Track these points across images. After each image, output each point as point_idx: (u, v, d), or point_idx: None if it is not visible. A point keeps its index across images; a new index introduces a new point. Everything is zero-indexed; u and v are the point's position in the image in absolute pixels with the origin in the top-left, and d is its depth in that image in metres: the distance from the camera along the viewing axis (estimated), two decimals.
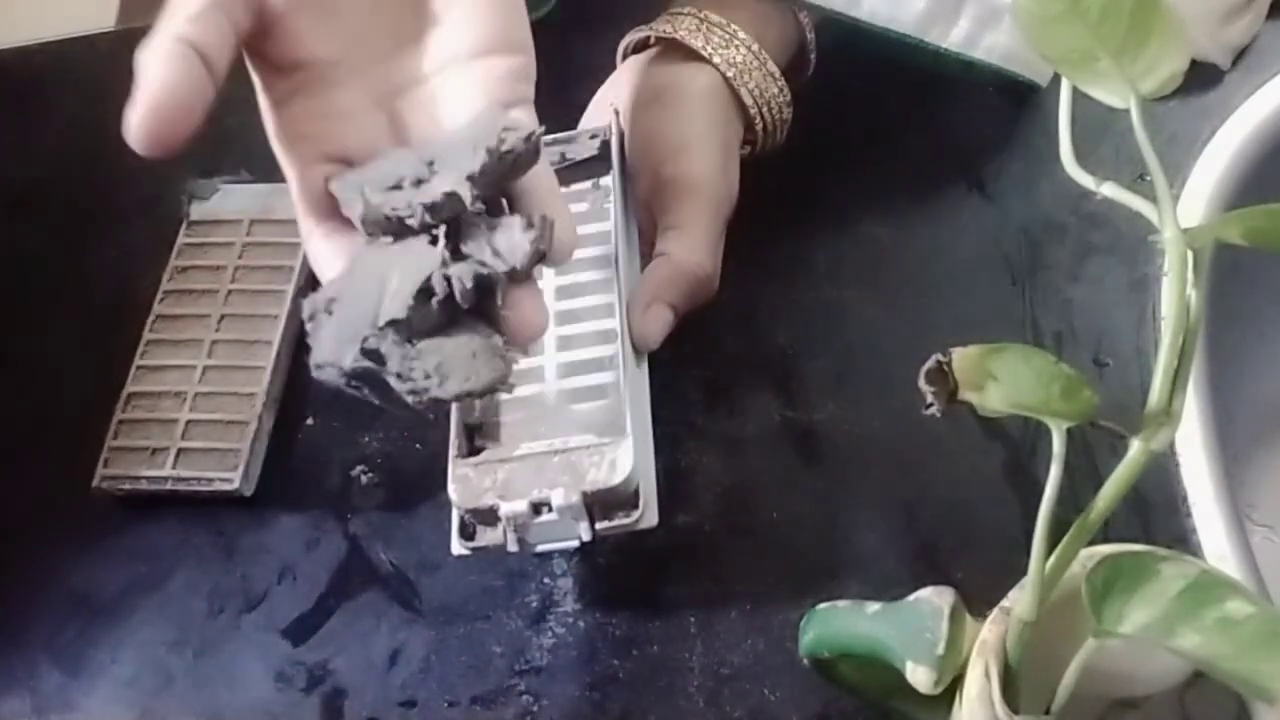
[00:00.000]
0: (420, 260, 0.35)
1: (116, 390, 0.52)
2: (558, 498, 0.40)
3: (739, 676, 0.44)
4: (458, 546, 0.41)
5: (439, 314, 0.35)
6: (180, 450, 0.50)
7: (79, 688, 0.46)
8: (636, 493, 0.41)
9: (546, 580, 0.47)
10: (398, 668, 0.45)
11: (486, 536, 0.41)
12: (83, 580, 0.49)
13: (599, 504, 0.40)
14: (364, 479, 0.50)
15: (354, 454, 0.51)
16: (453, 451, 0.42)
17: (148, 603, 0.48)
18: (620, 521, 0.40)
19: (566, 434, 0.42)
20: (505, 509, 0.40)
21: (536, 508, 0.40)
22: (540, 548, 0.41)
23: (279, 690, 0.45)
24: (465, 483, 0.41)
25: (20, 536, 0.50)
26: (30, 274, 0.59)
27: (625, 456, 0.40)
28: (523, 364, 0.44)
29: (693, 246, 0.45)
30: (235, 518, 0.50)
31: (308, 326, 0.36)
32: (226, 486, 0.49)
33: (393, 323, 0.34)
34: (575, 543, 0.41)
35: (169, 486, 0.49)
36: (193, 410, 0.51)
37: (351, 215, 0.37)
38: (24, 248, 0.60)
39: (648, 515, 0.41)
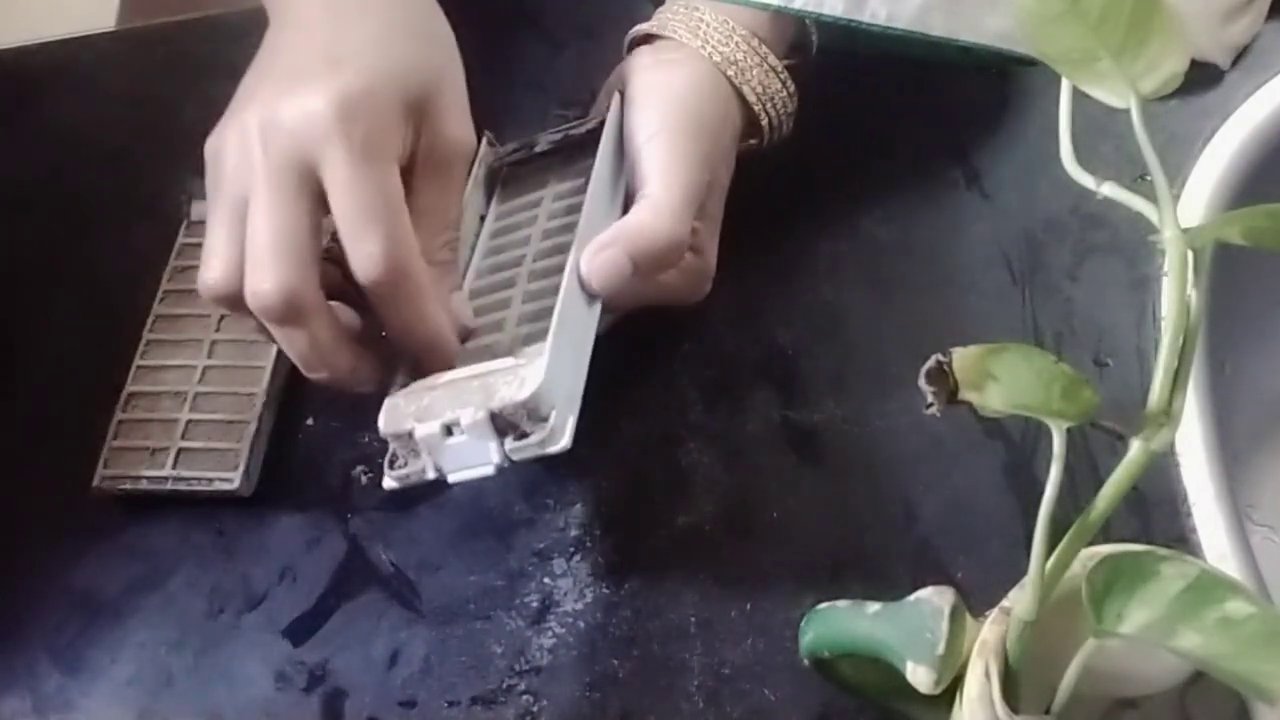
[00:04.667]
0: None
1: (116, 390, 0.52)
2: (466, 417, 0.39)
3: (739, 676, 0.44)
4: (388, 480, 0.42)
5: None
6: (180, 450, 0.50)
7: (79, 688, 0.46)
8: (550, 416, 0.40)
9: (546, 580, 0.47)
10: (398, 668, 0.45)
11: (410, 466, 0.41)
12: (83, 580, 0.49)
13: (510, 426, 0.39)
14: (364, 479, 0.50)
15: (354, 454, 0.51)
16: (394, 387, 0.42)
17: (148, 603, 0.48)
18: (527, 442, 0.39)
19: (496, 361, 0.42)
20: (419, 431, 0.40)
21: (449, 429, 0.40)
22: (455, 476, 0.40)
23: (279, 690, 0.45)
24: (393, 410, 0.41)
25: (20, 536, 0.50)
26: (30, 274, 0.59)
27: (535, 373, 0.39)
28: (488, 318, 0.45)
29: (664, 209, 0.45)
30: (235, 518, 0.50)
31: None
32: (226, 486, 0.49)
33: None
34: (489, 469, 0.40)
35: (169, 486, 0.49)
36: (193, 410, 0.51)
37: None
38: (24, 248, 0.60)
39: (555, 436, 0.39)
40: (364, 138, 0.40)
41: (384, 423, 0.41)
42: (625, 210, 0.48)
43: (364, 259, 0.40)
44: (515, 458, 0.40)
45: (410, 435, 0.40)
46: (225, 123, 0.42)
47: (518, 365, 0.40)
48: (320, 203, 0.40)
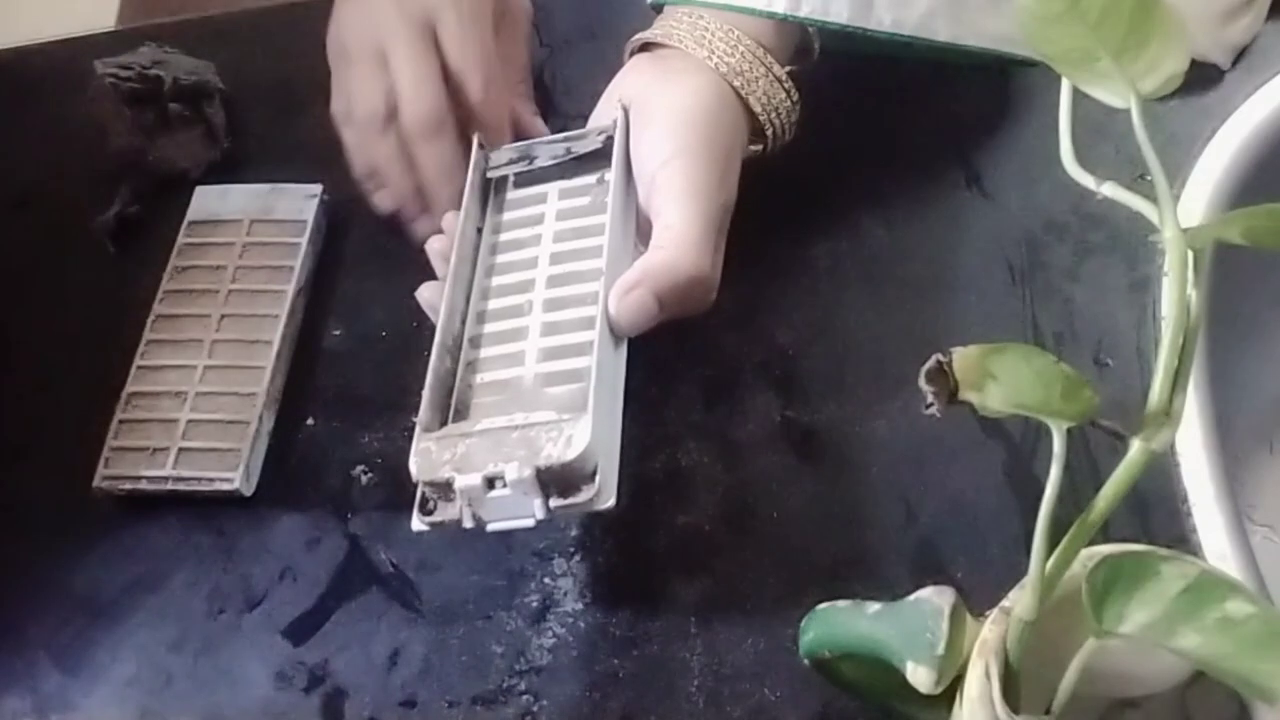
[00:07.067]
0: None
1: (116, 390, 0.52)
2: (511, 472, 0.39)
3: (739, 676, 0.44)
4: (417, 522, 0.41)
5: None
6: (180, 450, 0.50)
7: (79, 688, 0.46)
8: (595, 472, 0.40)
9: (547, 580, 0.47)
10: (398, 668, 0.45)
11: (444, 512, 0.41)
12: (83, 580, 0.49)
13: (555, 481, 0.40)
14: (364, 479, 0.50)
15: (354, 454, 0.51)
16: (420, 426, 0.42)
17: (148, 603, 0.48)
18: (574, 500, 0.39)
19: (533, 412, 0.42)
20: (460, 482, 0.40)
21: (490, 482, 0.39)
22: (494, 526, 0.41)
23: (279, 690, 0.45)
24: (426, 455, 0.41)
25: (20, 536, 0.50)
26: (31, 274, 0.59)
27: (582, 433, 0.39)
28: (504, 349, 0.44)
29: (688, 245, 0.45)
30: (235, 518, 0.50)
31: None
32: (226, 486, 0.49)
33: None
34: (530, 521, 0.40)
35: (169, 486, 0.49)
36: (193, 410, 0.51)
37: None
38: (23, 248, 0.60)
39: (603, 495, 0.40)
40: (469, 6, 0.54)
41: (417, 468, 0.41)
42: (638, 229, 0.48)
43: (474, 90, 0.53)
44: (560, 514, 0.40)
45: (448, 484, 0.40)
46: (348, 6, 0.55)
47: (561, 420, 0.40)
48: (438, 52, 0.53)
